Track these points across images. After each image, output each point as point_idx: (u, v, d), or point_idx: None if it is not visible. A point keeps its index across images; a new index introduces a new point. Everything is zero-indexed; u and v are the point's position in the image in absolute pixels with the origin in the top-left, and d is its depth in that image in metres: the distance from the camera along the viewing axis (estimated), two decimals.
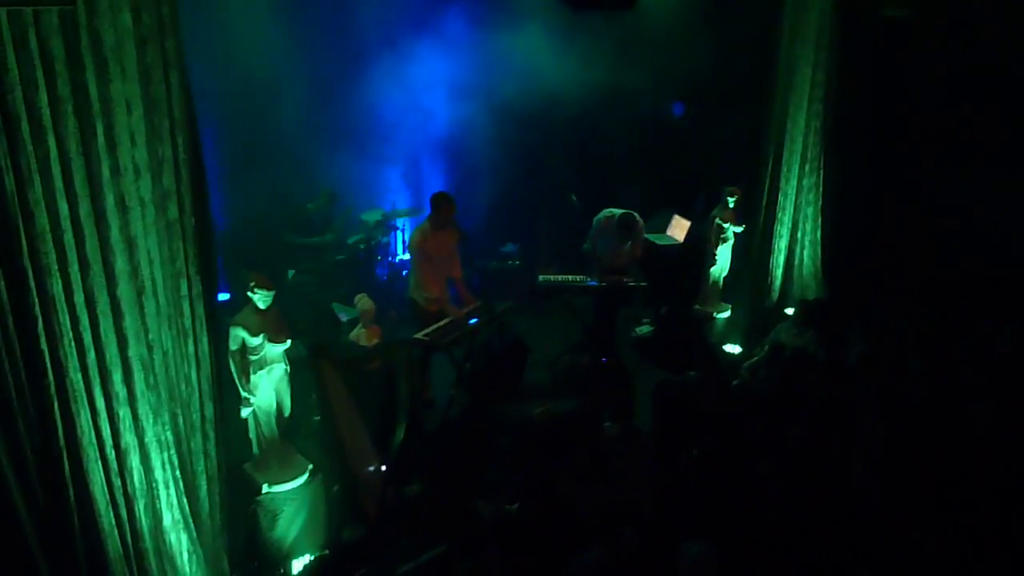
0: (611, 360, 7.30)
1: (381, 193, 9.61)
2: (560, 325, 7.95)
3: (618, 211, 7.31)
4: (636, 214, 7.31)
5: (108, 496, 3.82)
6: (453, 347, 6.27)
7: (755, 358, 6.66)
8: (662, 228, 9.24)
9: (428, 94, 9.31)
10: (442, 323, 6.29)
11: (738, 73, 8.40)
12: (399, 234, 9.62)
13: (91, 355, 3.67)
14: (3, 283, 3.37)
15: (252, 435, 5.29)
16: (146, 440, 3.94)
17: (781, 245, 8.01)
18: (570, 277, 7.37)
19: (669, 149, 9.64)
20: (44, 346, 3.52)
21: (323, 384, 5.47)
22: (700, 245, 8.64)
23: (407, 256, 8.88)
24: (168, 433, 4.04)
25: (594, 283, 7.25)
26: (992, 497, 4.25)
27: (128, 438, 3.86)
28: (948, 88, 7.81)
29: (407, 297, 6.68)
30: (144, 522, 3.97)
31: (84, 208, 3.55)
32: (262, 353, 5.07)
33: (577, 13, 8.35)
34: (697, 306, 8.69)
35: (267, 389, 5.18)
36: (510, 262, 9.35)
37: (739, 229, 8.32)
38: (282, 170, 8.50)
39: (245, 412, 5.15)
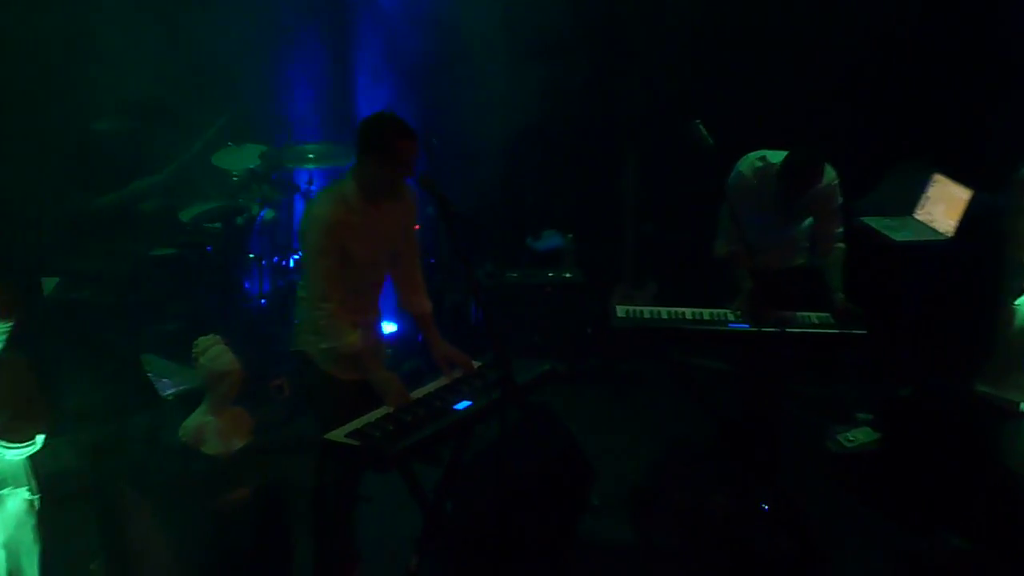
0: (782, 503, 7.08)
1: (268, 118, 9.89)
2: (662, 416, 8.01)
3: (777, 154, 7.14)
4: (821, 154, 7.09)
5: None
6: (415, 461, 6.11)
7: None
8: (907, 208, 9.24)
9: None
10: (393, 409, 6.07)
11: None
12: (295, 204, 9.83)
13: None
14: None
15: None
16: None
17: None
18: (686, 312, 7.32)
19: (924, 40, 9.67)
20: None
21: (120, 538, 5.72)
22: (993, 245, 8.48)
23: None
24: None
25: (742, 325, 7.21)
26: None
27: None
28: None
29: (294, 348, 6.55)
30: None
31: None
32: None
33: None
34: (984, 387, 8.48)
35: None
36: (552, 273, 9.38)
37: None
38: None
39: None
